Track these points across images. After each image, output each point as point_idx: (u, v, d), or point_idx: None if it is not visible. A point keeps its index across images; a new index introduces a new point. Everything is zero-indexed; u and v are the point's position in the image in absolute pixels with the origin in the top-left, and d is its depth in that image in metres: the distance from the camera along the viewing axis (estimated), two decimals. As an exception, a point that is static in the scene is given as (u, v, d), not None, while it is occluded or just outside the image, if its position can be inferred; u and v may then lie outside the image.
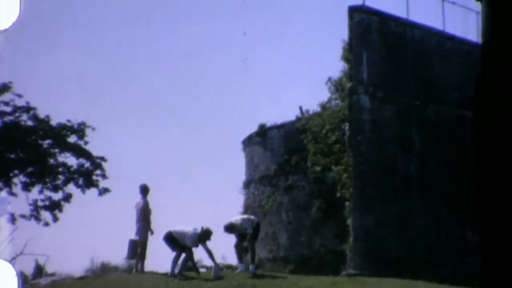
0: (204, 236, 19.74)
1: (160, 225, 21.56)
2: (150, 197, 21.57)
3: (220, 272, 19.50)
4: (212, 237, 19.92)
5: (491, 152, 3.59)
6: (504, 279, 3.55)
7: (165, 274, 19.35)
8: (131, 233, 21.15)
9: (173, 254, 19.93)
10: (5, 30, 3.72)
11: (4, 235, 31.32)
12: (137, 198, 21.52)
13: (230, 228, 20.08)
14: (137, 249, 21.00)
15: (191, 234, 19.64)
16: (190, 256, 19.82)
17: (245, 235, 20.16)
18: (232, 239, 20.85)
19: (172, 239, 19.74)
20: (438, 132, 24.15)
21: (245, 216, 20.24)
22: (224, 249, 34.04)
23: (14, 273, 3.56)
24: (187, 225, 20.05)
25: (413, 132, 24.03)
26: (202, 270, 20.48)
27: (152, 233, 21.26)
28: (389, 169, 23.47)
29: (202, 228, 19.76)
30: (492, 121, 3.59)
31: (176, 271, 19.53)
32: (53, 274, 25.38)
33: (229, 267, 23.85)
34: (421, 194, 23.33)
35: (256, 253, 21.90)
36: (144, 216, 21.20)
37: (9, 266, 3.57)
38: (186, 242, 19.62)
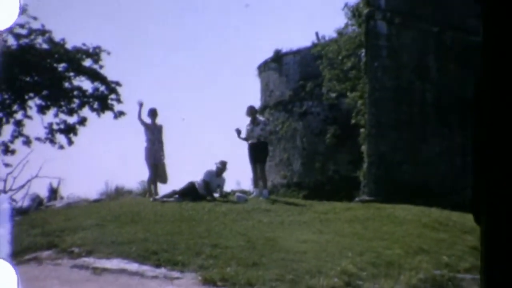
0: (222, 168, 19.94)
1: (173, 151, 21.55)
2: (161, 122, 21.56)
3: (243, 197, 19.61)
4: (227, 166, 20.16)
5: (491, 152, 3.52)
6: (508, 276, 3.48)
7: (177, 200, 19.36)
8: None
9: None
10: (5, 30, 3.63)
11: (19, 158, 31.55)
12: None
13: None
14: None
15: (207, 171, 19.74)
16: (206, 186, 19.78)
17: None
18: (246, 164, 20.95)
19: (195, 191, 19.71)
20: (456, 60, 23.87)
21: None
22: (238, 175, 34.23)
23: (14, 273, 3.52)
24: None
25: (430, 59, 23.76)
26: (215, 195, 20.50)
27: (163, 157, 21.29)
28: (405, 96, 23.30)
29: (216, 163, 19.89)
30: (493, 122, 3.51)
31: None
32: (67, 197, 25.58)
33: (243, 192, 23.91)
34: (437, 121, 23.17)
35: (267, 179, 22.03)
36: (156, 139, 21.17)
37: (9, 265, 3.53)
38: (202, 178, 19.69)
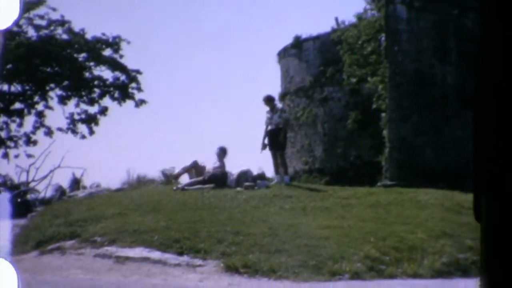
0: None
1: (199, 140, 21.47)
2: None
3: (264, 184, 19.64)
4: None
5: (492, 149, 3.48)
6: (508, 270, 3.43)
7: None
8: (167, 146, 21.11)
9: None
10: (5, 30, 3.61)
11: (41, 149, 31.70)
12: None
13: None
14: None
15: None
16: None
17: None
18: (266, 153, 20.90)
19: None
20: (476, 41, 23.65)
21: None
22: (260, 161, 34.18)
23: (14, 272, 3.50)
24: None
25: (450, 41, 23.59)
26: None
27: None
28: (426, 80, 23.16)
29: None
30: (494, 119, 3.46)
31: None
32: (90, 187, 25.66)
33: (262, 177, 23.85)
34: (459, 104, 22.99)
35: (287, 165, 21.99)
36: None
37: (8, 264, 3.51)
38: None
